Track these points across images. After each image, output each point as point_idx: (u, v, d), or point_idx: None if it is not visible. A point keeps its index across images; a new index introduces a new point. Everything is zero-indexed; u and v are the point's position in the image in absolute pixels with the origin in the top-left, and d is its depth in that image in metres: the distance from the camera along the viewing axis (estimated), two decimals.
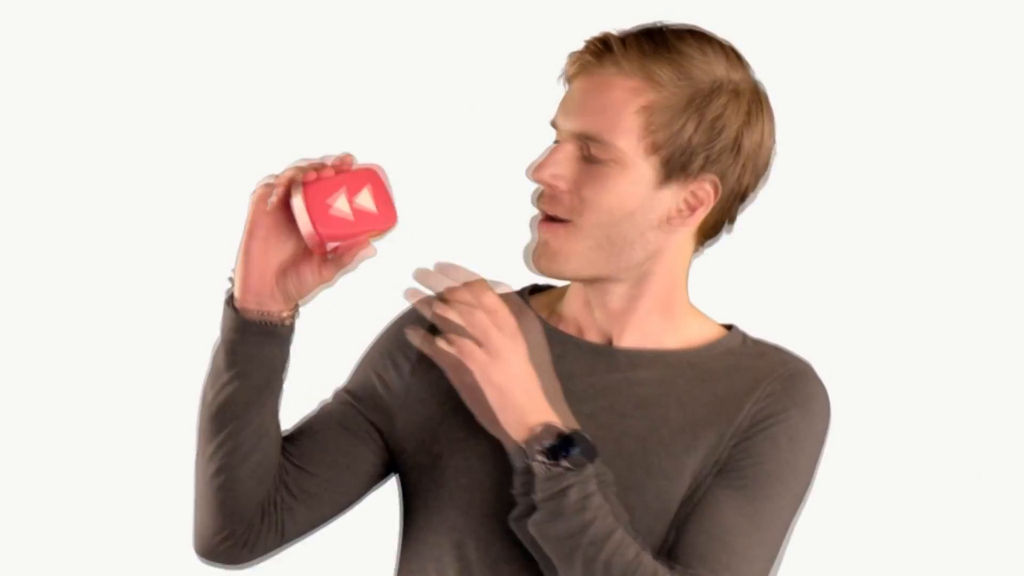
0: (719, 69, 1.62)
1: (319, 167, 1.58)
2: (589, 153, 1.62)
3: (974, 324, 3.16)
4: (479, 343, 1.59)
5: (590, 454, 1.58)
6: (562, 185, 1.63)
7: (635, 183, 1.62)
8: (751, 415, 1.64)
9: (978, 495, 3.14)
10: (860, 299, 3.14)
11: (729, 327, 1.73)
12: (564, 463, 1.56)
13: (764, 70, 1.69)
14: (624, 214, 1.62)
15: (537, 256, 1.65)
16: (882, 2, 3.12)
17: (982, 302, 3.16)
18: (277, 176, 1.59)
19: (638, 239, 1.64)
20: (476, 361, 1.59)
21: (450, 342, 1.60)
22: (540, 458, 1.57)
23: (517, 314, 1.62)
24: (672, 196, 1.64)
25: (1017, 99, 3.13)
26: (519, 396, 1.58)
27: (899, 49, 3.12)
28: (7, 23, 3.16)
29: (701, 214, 1.65)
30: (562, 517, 1.56)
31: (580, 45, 1.64)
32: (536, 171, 1.64)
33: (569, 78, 1.65)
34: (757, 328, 1.75)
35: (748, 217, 1.72)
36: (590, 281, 1.67)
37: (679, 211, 1.64)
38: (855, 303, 3.14)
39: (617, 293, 1.67)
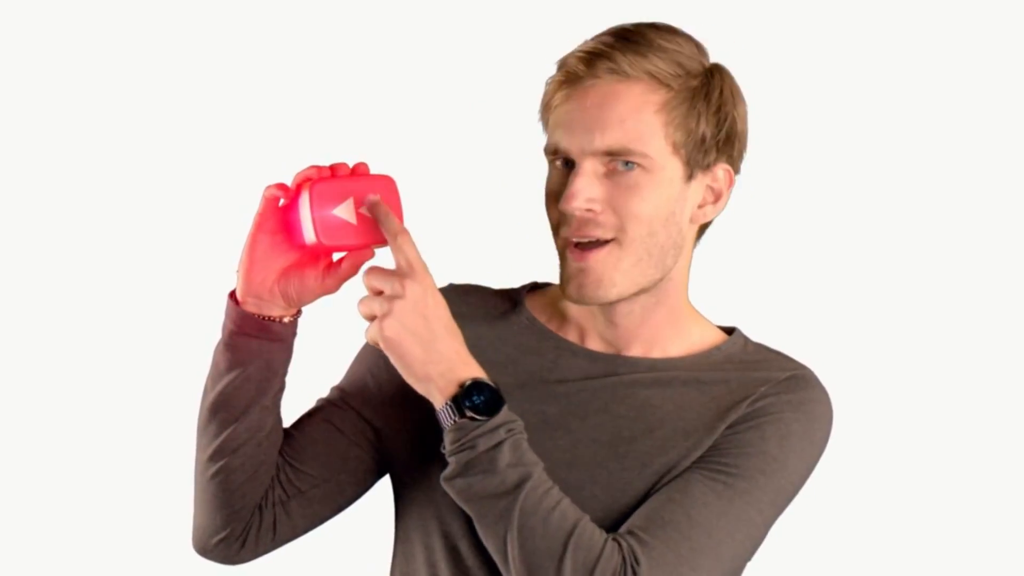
0: (700, 55, 1.62)
1: (333, 170, 1.57)
2: (613, 167, 1.59)
3: (974, 326, 3.16)
4: (376, 311, 1.53)
5: (496, 403, 1.53)
6: (598, 208, 1.59)
7: (666, 185, 1.60)
8: (743, 414, 1.61)
9: (977, 497, 3.15)
10: (860, 301, 3.15)
11: (731, 330, 1.72)
12: (469, 413, 1.52)
13: (762, 71, 1.68)
14: (662, 220, 1.60)
15: (579, 286, 1.61)
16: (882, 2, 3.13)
17: (981, 304, 3.16)
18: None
19: (672, 243, 1.62)
20: (371, 320, 1.53)
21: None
22: (446, 409, 1.53)
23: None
24: (696, 191, 1.63)
25: (1015, 101, 3.14)
26: (413, 348, 1.52)
27: (895, 50, 3.12)
28: (15, 24, 3.17)
29: (722, 204, 1.65)
30: (471, 469, 1.52)
31: (557, 70, 1.61)
32: (568, 202, 1.58)
33: (556, 104, 1.61)
34: (758, 330, 1.73)
35: (748, 219, 1.71)
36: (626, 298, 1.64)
37: (702, 205, 1.64)
38: (855, 305, 3.15)
39: (640, 302, 1.65)
